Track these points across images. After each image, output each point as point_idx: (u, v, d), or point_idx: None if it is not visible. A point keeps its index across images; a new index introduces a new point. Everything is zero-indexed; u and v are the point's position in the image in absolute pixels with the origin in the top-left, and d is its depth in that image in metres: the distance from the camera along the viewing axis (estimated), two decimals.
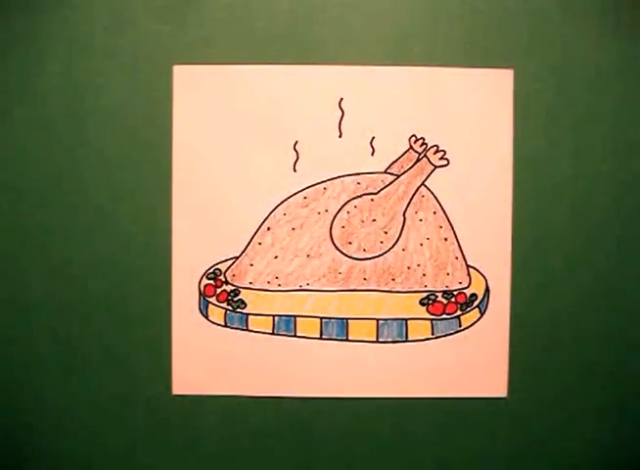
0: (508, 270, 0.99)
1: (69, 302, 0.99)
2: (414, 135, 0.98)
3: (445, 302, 1.00)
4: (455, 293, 1.00)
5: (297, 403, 1.00)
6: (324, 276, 0.99)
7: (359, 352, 0.99)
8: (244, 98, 0.98)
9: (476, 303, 0.99)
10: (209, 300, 1.00)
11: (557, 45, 0.98)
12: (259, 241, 0.99)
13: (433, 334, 0.99)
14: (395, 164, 0.99)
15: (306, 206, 0.99)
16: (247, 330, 1.00)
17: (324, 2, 0.97)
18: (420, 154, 0.98)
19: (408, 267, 0.99)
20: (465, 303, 0.99)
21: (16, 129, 0.98)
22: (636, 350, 1.00)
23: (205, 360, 1.00)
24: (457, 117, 0.98)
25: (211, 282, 1.00)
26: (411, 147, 0.98)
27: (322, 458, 1.01)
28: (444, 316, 0.99)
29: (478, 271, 0.99)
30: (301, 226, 0.99)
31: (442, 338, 0.99)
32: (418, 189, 0.99)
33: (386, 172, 0.99)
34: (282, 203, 0.99)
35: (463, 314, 0.99)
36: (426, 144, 0.98)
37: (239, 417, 1.00)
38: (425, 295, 1.00)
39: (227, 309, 1.00)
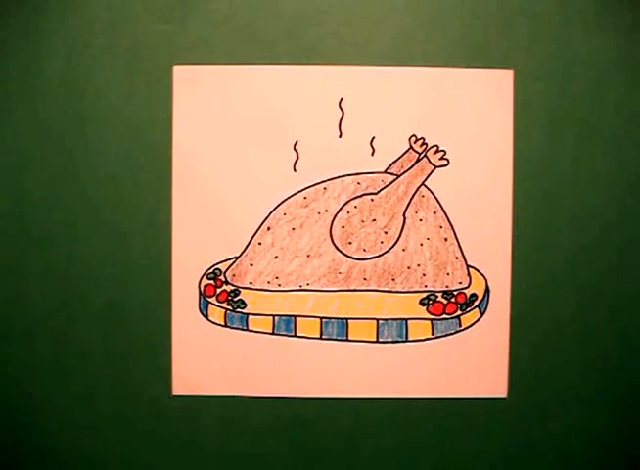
0: (508, 270, 0.99)
1: (69, 302, 0.99)
2: (414, 135, 0.98)
3: (445, 302, 1.00)
4: (455, 293, 1.00)
5: (298, 403, 1.00)
6: (324, 276, 0.99)
7: (359, 351, 0.99)
8: (244, 98, 0.98)
9: (476, 303, 0.99)
10: (209, 300, 1.00)
11: (557, 45, 0.98)
12: (259, 241, 0.99)
13: (433, 334, 0.99)
14: (395, 164, 0.99)
15: (306, 206, 0.99)
16: (247, 330, 1.00)
17: (324, 2, 0.97)
18: (420, 154, 0.98)
19: (408, 267, 0.99)
20: (465, 303, 0.99)
21: (16, 129, 0.98)
22: (636, 349, 1.00)
23: (205, 360, 1.00)
24: (457, 116, 0.98)
25: (211, 282, 1.00)
26: (411, 147, 0.98)
27: (322, 458, 1.01)
28: (444, 316, 0.99)
29: (478, 271, 0.99)
30: (301, 226, 0.99)
31: (442, 338, 0.99)
32: (418, 189, 0.99)
33: (386, 172, 0.99)
34: (282, 203, 0.99)
35: (463, 314, 0.99)
36: (426, 144, 0.98)
37: (238, 417, 1.00)
38: (425, 295, 1.00)
39: (227, 309, 1.00)
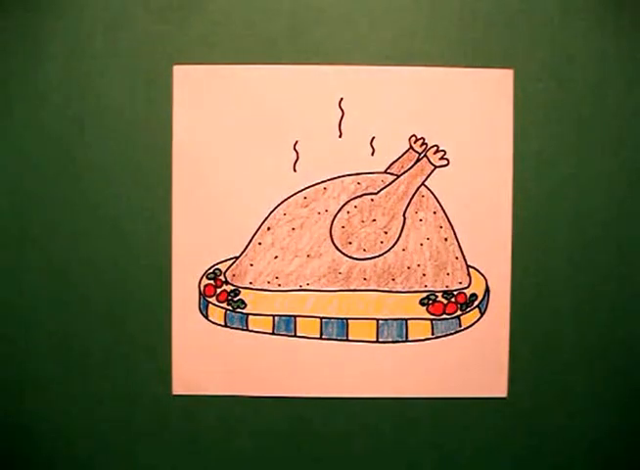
0: (508, 270, 0.99)
1: (69, 302, 0.99)
2: (414, 135, 0.98)
3: (445, 302, 1.00)
4: (455, 293, 1.00)
5: (298, 403, 1.00)
6: (324, 276, 0.99)
7: (359, 351, 0.99)
8: (244, 98, 0.98)
9: (476, 303, 0.99)
10: (209, 300, 1.00)
11: (557, 45, 0.98)
12: (259, 241, 0.99)
13: (433, 334, 0.99)
14: (395, 164, 0.99)
15: (306, 206, 0.99)
16: (247, 330, 1.00)
17: (324, 2, 0.97)
18: (420, 154, 0.98)
19: (408, 267, 0.99)
20: (465, 303, 0.99)
21: (16, 129, 0.98)
22: (636, 350, 1.00)
23: (205, 360, 1.00)
24: (457, 116, 0.98)
25: (211, 282, 1.00)
26: (411, 147, 0.98)
27: (322, 458, 1.01)
28: (444, 316, 0.99)
29: (478, 271, 0.99)
30: (301, 226, 0.99)
31: (442, 338, 0.99)
32: (418, 189, 0.99)
33: (386, 172, 0.99)
34: (282, 203, 0.99)
35: (463, 314, 0.99)
36: (426, 144, 0.98)
37: (239, 417, 1.00)
38: (425, 295, 1.00)
39: (227, 309, 1.00)
